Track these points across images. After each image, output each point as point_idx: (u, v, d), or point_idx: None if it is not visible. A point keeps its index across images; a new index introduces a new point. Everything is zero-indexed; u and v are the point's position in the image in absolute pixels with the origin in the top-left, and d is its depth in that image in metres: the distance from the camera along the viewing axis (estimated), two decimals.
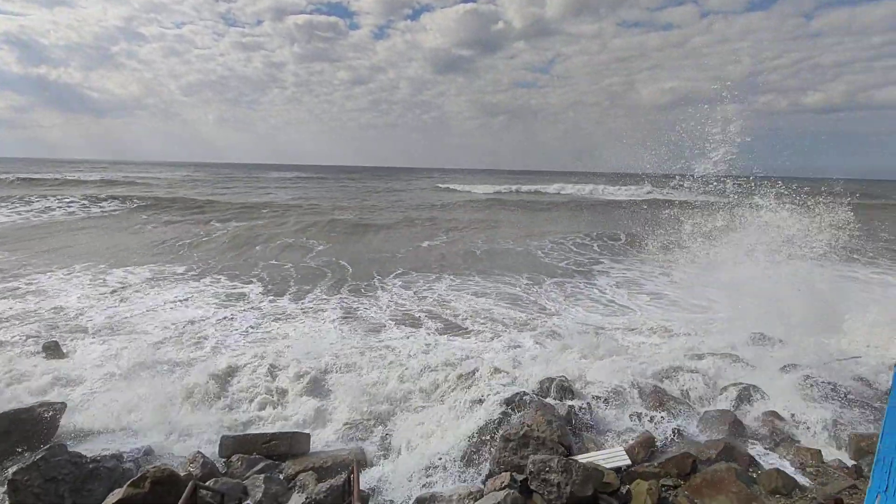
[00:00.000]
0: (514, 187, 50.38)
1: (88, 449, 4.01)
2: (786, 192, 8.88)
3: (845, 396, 4.44)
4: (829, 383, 4.59)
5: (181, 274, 11.66)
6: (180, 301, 9.32)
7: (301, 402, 5.24)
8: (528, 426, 3.69)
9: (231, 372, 5.84)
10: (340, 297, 10.12)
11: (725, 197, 9.72)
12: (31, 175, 44.97)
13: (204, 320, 8.23)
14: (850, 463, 3.59)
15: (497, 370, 5.50)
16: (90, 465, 3.55)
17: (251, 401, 5.28)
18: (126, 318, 8.26)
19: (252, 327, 8.09)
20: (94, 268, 11.92)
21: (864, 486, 3.23)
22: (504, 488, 3.21)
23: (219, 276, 11.48)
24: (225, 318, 8.48)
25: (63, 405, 4.59)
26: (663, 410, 4.33)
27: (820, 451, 3.74)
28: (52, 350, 6.50)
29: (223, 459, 4.03)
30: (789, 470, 3.46)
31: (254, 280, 11.41)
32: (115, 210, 24.30)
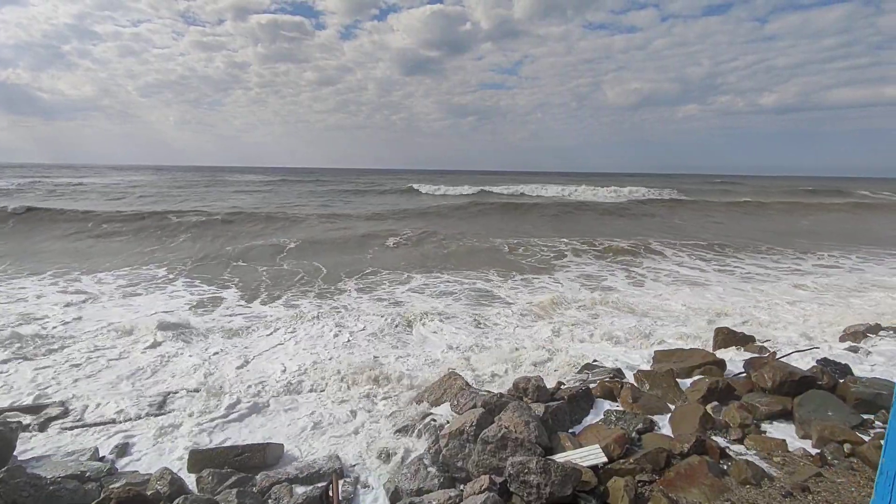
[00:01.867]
0: (483, 188, 50.74)
1: (46, 469, 3.82)
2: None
3: None
4: None
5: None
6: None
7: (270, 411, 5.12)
8: (505, 428, 3.69)
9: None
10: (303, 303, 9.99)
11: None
12: None
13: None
14: (814, 451, 3.73)
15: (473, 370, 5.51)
16: (50, 487, 3.36)
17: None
18: None
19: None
20: None
21: (828, 474, 3.37)
22: (483, 491, 3.20)
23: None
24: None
25: (18, 423, 4.35)
26: (638, 407, 4.42)
27: (785, 440, 3.88)
28: None
29: (193, 475, 3.88)
30: (757, 461, 3.57)
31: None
32: None
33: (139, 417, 5.09)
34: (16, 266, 12.97)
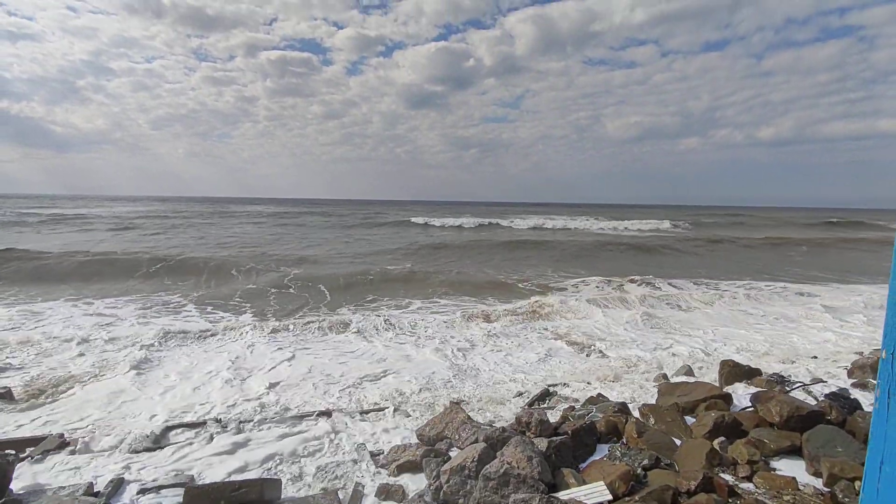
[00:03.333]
0: (486, 220, 51.24)
1: None
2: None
3: None
4: None
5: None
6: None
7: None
8: (508, 463, 3.62)
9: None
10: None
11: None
12: None
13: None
14: (825, 489, 3.63)
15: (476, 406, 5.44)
16: None
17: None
18: None
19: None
20: None
21: None
22: None
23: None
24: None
25: (14, 455, 4.29)
26: (643, 442, 4.34)
27: (795, 478, 3.78)
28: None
29: None
30: (767, 500, 3.48)
31: None
32: None
33: (137, 451, 5.02)
34: None
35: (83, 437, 5.29)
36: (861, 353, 8.21)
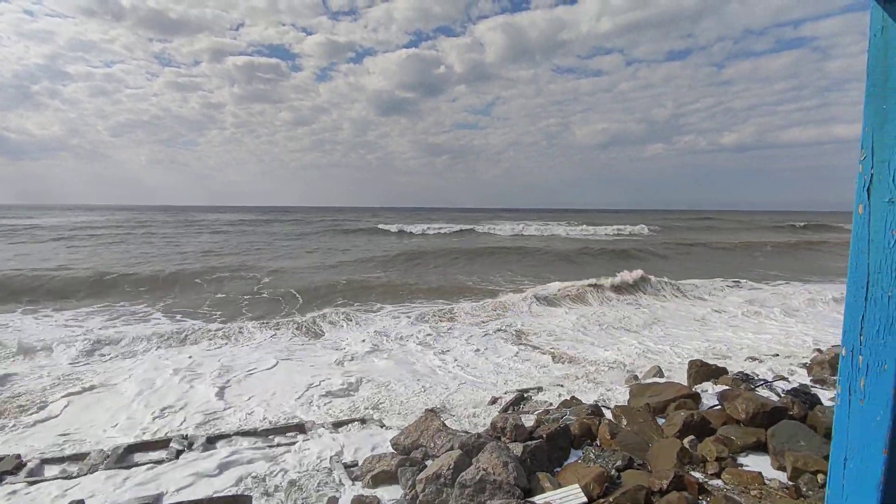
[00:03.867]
0: (460, 227, 51.31)
1: None
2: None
3: None
4: None
5: None
6: None
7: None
8: (483, 470, 3.61)
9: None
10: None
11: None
12: None
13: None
14: (790, 483, 3.75)
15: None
16: None
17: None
18: None
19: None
20: None
21: None
22: None
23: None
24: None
25: None
26: (616, 443, 4.39)
27: (761, 472, 3.90)
28: None
29: None
30: (735, 495, 3.57)
31: None
32: None
33: (98, 469, 4.78)
34: None
35: (38, 459, 5.02)
36: (819, 350, 8.55)
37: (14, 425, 6.09)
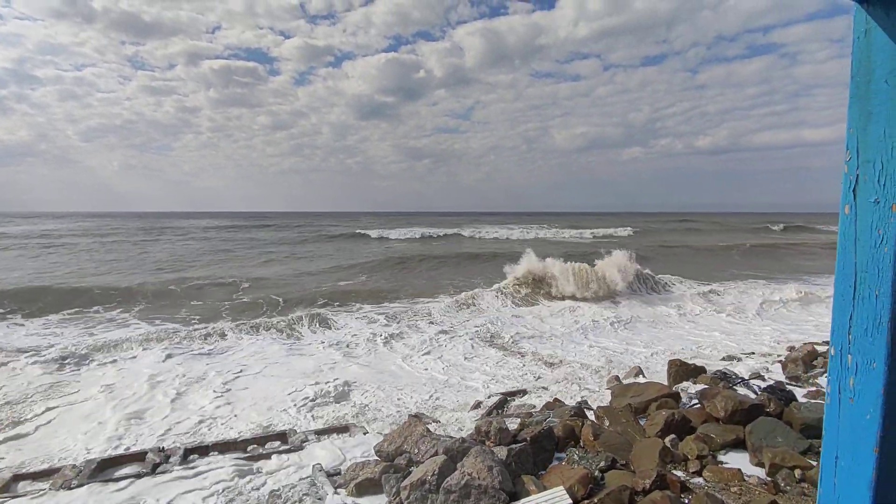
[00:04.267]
0: (444, 231, 51.16)
1: None
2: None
3: None
4: None
5: None
6: None
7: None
8: (468, 475, 3.59)
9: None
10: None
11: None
12: None
13: None
14: (768, 479, 3.82)
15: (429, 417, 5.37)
16: None
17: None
18: None
19: None
20: None
21: (783, 502, 3.45)
22: None
23: None
24: None
25: None
26: (599, 444, 4.43)
27: (740, 469, 3.96)
28: None
29: None
30: (716, 493, 3.63)
31: None
32: None
33: (72, 485, 4.62)
34: None
35: (10, 474, 4.82)
36: (793, 348, 8.77)
37: None
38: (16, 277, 17.98)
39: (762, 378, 6.55)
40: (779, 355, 8.57)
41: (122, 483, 4.67)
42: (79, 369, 8.49)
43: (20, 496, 4.51)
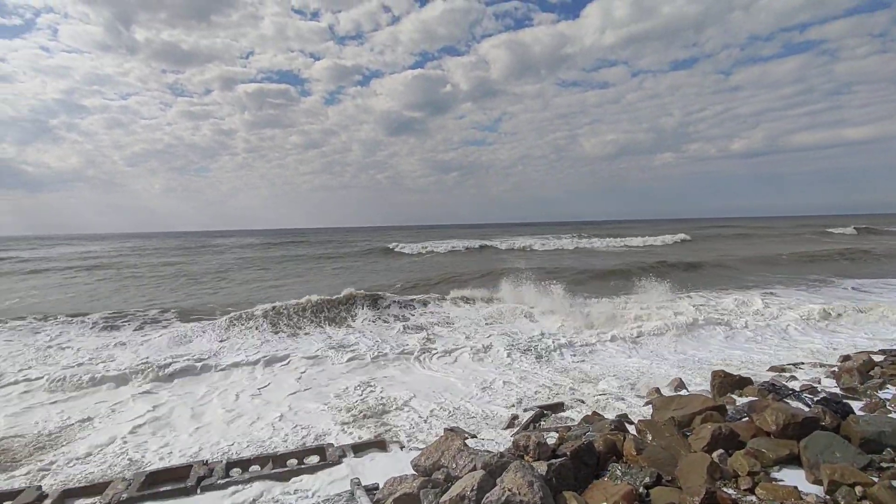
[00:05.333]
0: (479, 242, 50.43)
1: None
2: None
3: None
4: None
5: None
6: None
7: None
8: (509, 491, 3.53)
9: None
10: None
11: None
12: None
13: None
14: (827, 497, 3.61)
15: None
16: None
17: None
18: None
19: None
20: None
21: None
22: None
23: None
24: None
25: None
26: (643, 459, 4.28)
27: (796, 487, 3.76)
28: None
29: None
30: None
31: None
32: None
33: (121, 499, 4.77)
34: None
35: (60, 490, 5.02)
36: (847, 357, 8.33)
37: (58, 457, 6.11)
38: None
39: (815, 390, 6.23)
40: (832, 366, 8.14)
41: (168, 497, 4.80)
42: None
43: None
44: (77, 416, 7.42)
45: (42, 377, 8.93)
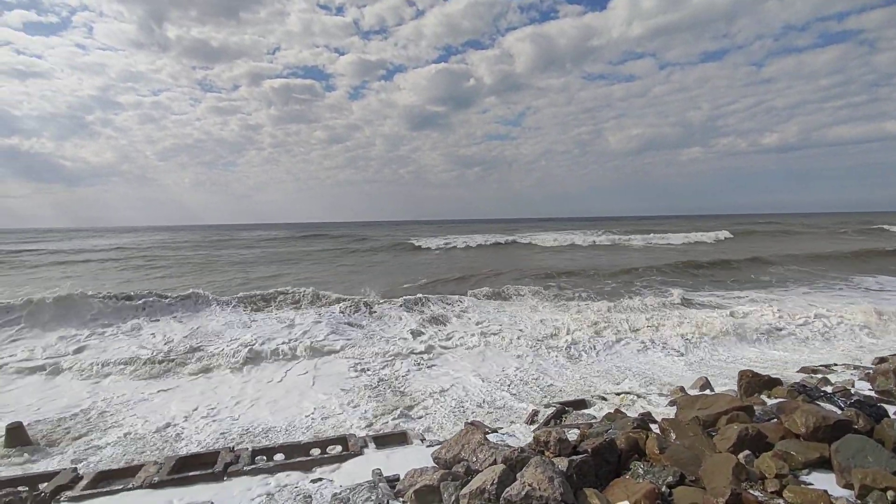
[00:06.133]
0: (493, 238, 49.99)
1: None
2: None
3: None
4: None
5: None
6: None
7: None
8: (529, 485, 3.53)
9: None
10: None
11: None
12: None
13: None
14: (858, 502, 3.51)
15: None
16: None
17: None
18: None
19: None
20: None
21: None
22: None
23: None
24: None
25: (28, 492, 4.24)
26: (666, 458, 4.22)
27: (826, 491, 3.66)
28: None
29: None
30: None
31: None
32: None
33: (153, 481, 4.93)
34: None
35: (94, 472, 5.22)
36: (883, 359, 8.04)
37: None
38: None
39: (848, 392, 6.04)
40: (866, 368, 7.87)
41: (195, 482, 4.94)
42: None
43: (104, 493, 4.86)
44: None
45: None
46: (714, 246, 40.26)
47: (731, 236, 48.15)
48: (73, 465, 5.45)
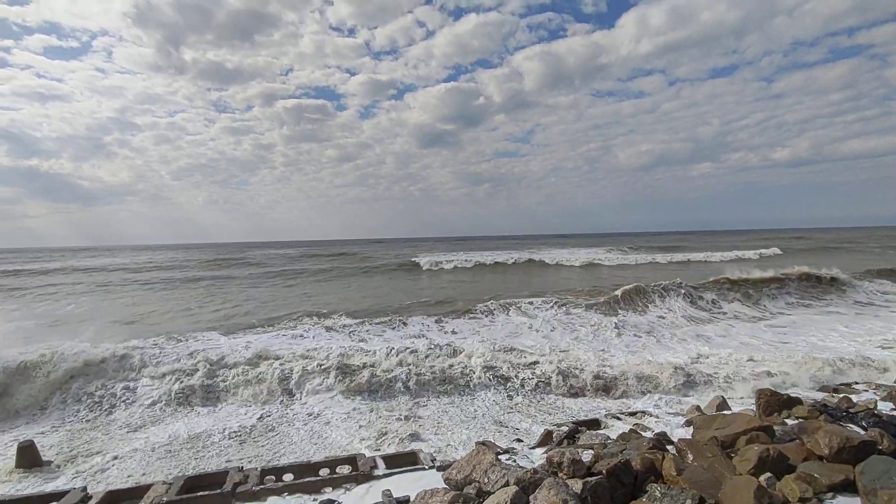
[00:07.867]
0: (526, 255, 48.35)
1: None
2: None
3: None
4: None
5: None
6: None
7: None
8: None
9: None
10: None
11: None
12: None
13: None
14: None
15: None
16: None
17: None
18: None
19: None
20: None
21: None
22: None
23: None
24: None
25: None
26: (684, 480, 4.10)
27: None
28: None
29: None
30: None
31: None
32: None
33: (171, 502, 4.89)
34: None
35: (103, 492, 5.19)
36: None
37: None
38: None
39: (871, 412, 5.85)
40: (889, 386, 7.65)
41: (205, 502, 4.89)
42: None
43: None
44: None
45: None
46: (771, 260, 36.47)
47: (781, 252, 45.44)
48: (83, 486, 5.42)
